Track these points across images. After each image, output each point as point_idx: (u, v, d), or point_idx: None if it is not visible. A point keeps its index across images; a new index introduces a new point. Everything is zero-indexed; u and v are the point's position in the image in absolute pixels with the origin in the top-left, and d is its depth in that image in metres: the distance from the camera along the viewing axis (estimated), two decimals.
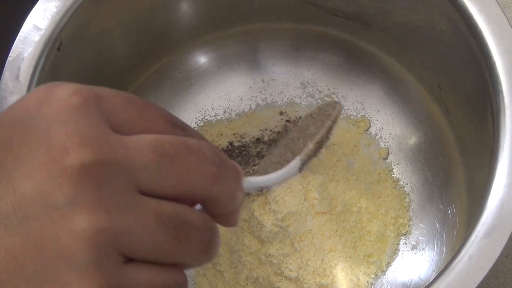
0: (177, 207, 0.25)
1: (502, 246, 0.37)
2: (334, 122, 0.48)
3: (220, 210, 0.28)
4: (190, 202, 0.27)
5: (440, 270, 0.38)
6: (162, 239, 0.25)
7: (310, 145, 0.45)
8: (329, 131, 0.48)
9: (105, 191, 0.23)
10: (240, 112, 0.66)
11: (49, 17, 0.47)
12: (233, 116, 0.66)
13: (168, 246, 0.25)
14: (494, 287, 0.55)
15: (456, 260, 0.38)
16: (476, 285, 0.37)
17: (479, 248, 0.38)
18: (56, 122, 0.23)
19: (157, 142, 0.25)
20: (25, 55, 0.46)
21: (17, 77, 0.45)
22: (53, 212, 0.22)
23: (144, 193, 0.24)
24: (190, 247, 0.26)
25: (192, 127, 0.64)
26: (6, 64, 0.46)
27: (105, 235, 0.23)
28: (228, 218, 0.29)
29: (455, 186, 0.55)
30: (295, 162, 0.43)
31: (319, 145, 0.47)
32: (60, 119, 0.24)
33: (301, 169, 0.44)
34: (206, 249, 0.27)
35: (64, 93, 0.24)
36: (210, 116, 0.66)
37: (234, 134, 0.64)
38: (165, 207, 0.25)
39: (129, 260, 0.24)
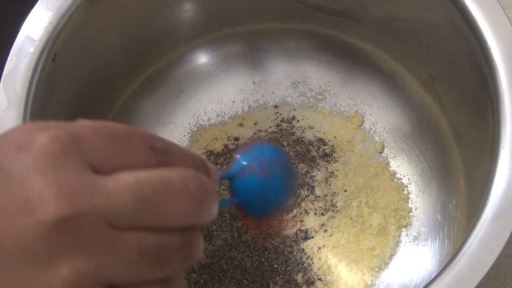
0: (157, 237, 0.26)
1: (511, 228, 0.38)
2: None
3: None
4: None
5: (452, 255, 0.38)
6: (145, 269, 0.25)
7: None
8: None
9: (84, 237, 0.23)
10: (233, 115, 0.66)
11: (43, 28, 0.47)
12: (227, 119, 0.66)
13: (151, 272, 0.26)
14: (494, 287, 0.55)
15: (467, 244, 0.38)
16: (488, 268, 0.37)
17: (489, 231, 0.38)
18: (34, 171, 0.23)
19: (136, 186, 0.25)
20: (21, 66, 0.45)
21: (14, 90, 0.45)
22: (35, 260, 0.23)
23: (124, 229, 0.25)
24: (172, 265, 0.26)
25: (186, 133, 0.65)
26: (2, 78, 0.45)
27: (89, 277, 0.23)
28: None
29: (452, 175, 0.56)
30: None
31: None
32: (39, 169, 0.24)
33: None
34: (188, 259, 0.28)
35: (43, 140, 0.24)
36: (204, 121, 0.66)
37: (228, 137, 0.64)
38: (145, 240, 0.25)
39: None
